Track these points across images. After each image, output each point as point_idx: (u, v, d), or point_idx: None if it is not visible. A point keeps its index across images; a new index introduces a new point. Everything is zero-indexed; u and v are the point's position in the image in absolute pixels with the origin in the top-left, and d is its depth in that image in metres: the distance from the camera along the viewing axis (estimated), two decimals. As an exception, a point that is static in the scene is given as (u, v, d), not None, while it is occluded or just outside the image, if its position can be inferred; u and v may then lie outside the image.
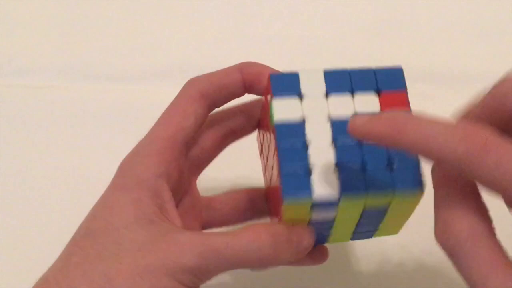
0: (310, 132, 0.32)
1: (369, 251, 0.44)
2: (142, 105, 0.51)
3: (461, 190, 0.27)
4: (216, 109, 0.37)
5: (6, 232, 0.46)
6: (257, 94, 0.36)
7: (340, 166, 0.32)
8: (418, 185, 0.31)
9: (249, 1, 0.54)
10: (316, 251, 0.36)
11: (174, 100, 0.35)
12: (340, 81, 0.33)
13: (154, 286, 0.29)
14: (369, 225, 0.35)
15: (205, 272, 0.30)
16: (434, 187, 0.29)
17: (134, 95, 0.51)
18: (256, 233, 0.31)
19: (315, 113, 0.33)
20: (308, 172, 0.31)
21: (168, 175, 0.33)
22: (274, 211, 0.35)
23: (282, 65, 0.51)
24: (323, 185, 0.31)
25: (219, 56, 0.52)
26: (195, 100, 0.34)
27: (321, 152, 0.32)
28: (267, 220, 0.37)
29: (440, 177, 0.29)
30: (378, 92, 0.33)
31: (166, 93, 0.51)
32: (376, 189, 0.31)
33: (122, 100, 0.51)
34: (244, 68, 0.36)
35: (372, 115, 0.28)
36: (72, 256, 0.31)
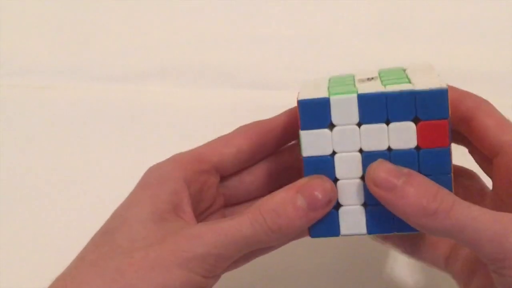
0: (339, 167, 0.31)
1: (374, 249, 0.44)
2: (142, 105, 0.51)
3: None
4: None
5: (6, 232, 0.46)
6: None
7: (368, 203, 0.31)
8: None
9: (249, 1, 0.54)
10: None
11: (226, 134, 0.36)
12: (375, 108, 0.30)
13: (165, 278, 0.30)
14: None
15: (218, 258, 0.30)
16: None
17: (134, 95, 0.51)
18: (258, 209, 0.31)
19: (346, 145, 0.31)
20: (335, 208, 0.31)
21: (191, 182, 0.33)
22: None
23: (282, 65, 0.51)
24: (349, 223, 0.31)
25: (219, 56, 0.52)
26: (243, 132, 0.35)
27: (349, 188, 0.31)
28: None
29: None
30: (416, 120, 0.30)
31: (166, 93, 0.51)
32: (402, 229, 0.31)
33: (122, 100, 0.51)
34: (291, 113, 0.35)
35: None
36: (87, 254, 0.32)
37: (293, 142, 0.37)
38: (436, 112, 0.30)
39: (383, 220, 0.31)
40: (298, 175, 0.32)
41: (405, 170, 0.30)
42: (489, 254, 0.29)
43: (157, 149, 0.48)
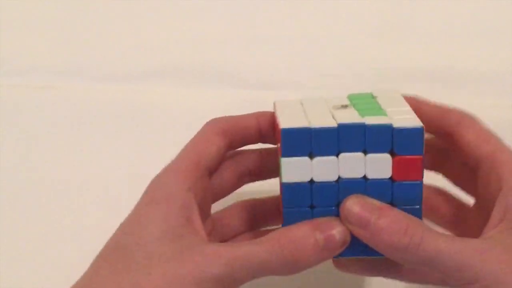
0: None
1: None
2: (142, 105, 0.51)
3: None
4: (238, 149, 0.38)
5: (5, 232, 0.46)
6: (270, 143, 0.37)
7: None
8: None
9: (249, 1, 0.53)
10: None
11: (197, 133, 0.36)
12: (353, 138, 0.32)
13: None
14: None
15: (231, 280, 0.31)
16: None
17: (134, 95, 0.51)
18: (277, 239, 0.31)
19: (325, 173, 0.32)
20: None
21: (195, 191, 0.34)
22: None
23: (282, 65, 0.51)
24: None
25: (219, 57, 0.52)
26: (217, 133, 0.36)
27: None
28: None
29: None
30: (393, 153, 0.32)
31: (166, 93, 0.51)
32: (376, 253, 0.32)
33: (122, 100, 0.51)
34: (260, 115, 0.37)
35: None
36: (100, 269, 0.32)
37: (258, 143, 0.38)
38: (412, 149, 0.32)
39: (357, 244, 0.32)
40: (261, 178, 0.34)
41: (377, 204, 0.32)
42: (457, 281, 0.31)
43: (157, 149, 0.48)
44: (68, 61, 0.53)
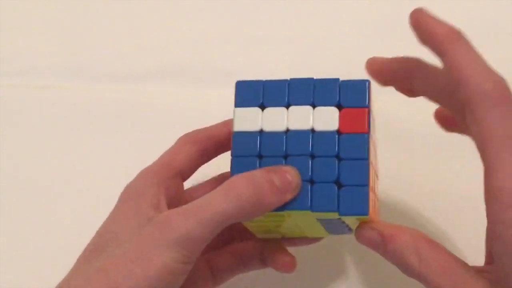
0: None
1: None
2: (142, 105, 0.51)
3: None
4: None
5: (5, 232, 0.46)
6: None
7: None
8: (362, 210, 0.32)
9: (249, 1, 0.54)
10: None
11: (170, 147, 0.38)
12: (303, 92, 0.33)
13: (145, 268, 0.30)
14: (337, 226, 0.35)
15: (192, 241, 0.31)
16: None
17: (134, 95, 0.51)
18: (227, 188, 0.32)
19: (274, 123, 0.33)
20: None
21: (165, 186, 0.35)
22: None
23: (282, 65, 0.51)
24: None
25: (219, 56, 0.52)
26: (187, 142, 0.37)
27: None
28: None
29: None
30: (340, 107, 0.33)
31: (166, 93, 0.51)
32: (320, 208, 0.32)
33: (123, 100, 0.51)
34: (230, 123, 0.37)
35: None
36: (77, 265, 0.33)
37: None
38: (358, 101, 0.33)
39: (301, 197, 0.33)
40: None
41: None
42: None
43: (157, 149, 0.48)
44: (68, 61, 0.53)
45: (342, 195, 0.32)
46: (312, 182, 0.33)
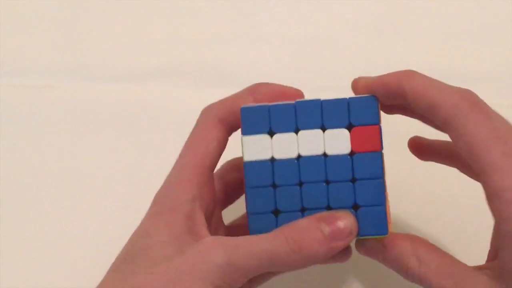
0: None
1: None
2: (142, 105, 0.50)
3: None
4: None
5: (5, 232, 0.46)
6: None
7: (305, 208, 0.33)
8: (381, 230, 0.32)
9: (249, 1, 0.53)
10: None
11: (194, 127, 0.36)
12: (311, 114, 0.33)
13: None
14: None
15: (233, 270, 0.31)
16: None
17: (134, 95, 0.51)
18: (280, 229, 0.31)
19: (285, 150, 0.33)
20: (274, 212, 0.33)
21: (200, 199, 0.34)
22: None
23: (282, 65, 0.51)
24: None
25: (219, 56, 0.52)
26: (214, 125, 0.35)
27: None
28: None
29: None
30: (350, 126, 0.33)
31: (166, 93, 0.51)
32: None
33: (122, 100, 0.51)
34: (254, 90, 0.36)
35: None
36: (108, 278, 0.32)
37: None
38: (367, 118, 0.32)
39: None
40: None
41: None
42: None
43: (157, 148, 0.48)
44: (68, 61, 0.53)
45: (361, 216, 0.32)
46: (329, 208, 0.33)
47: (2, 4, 0.55)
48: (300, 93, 0.36)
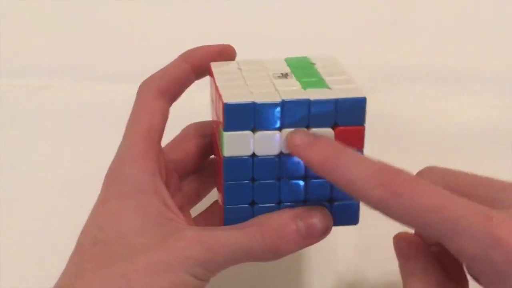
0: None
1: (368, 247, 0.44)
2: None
3: (421, 261, 0.31)
4: (203, 121, 0.38)
5: (5, 231, 0.46)
6: (205, 76, 0.37)
7: (283, 202, 0.33)
8: (354, 220, 0.33)
9: (249, 1, 0.54)
10: None
11: (136, 102, 0.36)
12: (297, 113, 0.31)
13: (173, 282, 0.30)
14: None
15: (215, 265, 0.31)
16: (397, 255, 0.32)
17: (134, 95, 0.51)
18: (259, 227, 0.32)
19: (267, 147, 0.32)
20: (250, 207, 0.33)
21: (160, 173, 0.34)
22: (218, 187, 0.36)
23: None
24: None
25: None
26: (156, 97, 0.35)
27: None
28: None
29: (401, 248, 0.32)
30: (335, 126, 0.32)
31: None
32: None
33: (122, 100, 0.51)
34: (188, 56, 0.36)
35: (312, 136, 0.30)
36: (85, 263, 0.31)
37: None
38: (354, 120, 0.32)
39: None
40: None
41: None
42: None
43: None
44: (68, 61, 0.53)
45: (335, 208, 0.33)
46: (305, 201, 0.33)
47: (2, 4, 0.55)
48: (231, 49, 0.37)
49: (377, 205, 0.28)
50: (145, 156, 0.34)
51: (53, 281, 0.32)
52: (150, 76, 0.36)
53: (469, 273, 0.28)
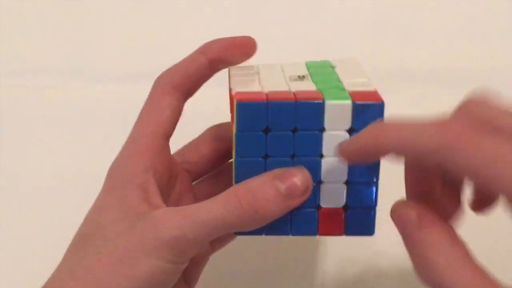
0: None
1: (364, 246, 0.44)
2: (142, 105, 0.50)
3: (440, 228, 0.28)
4: (224, 123, 0.37)
5: (5, 231, 0.47)
6: (225, 68, 0.36)
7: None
8: (368, 230, 0.32)
9: (249, 1, 0.54)
10: None
11: (148, 97, 0.35)
12: (311, 116, 0.30)
13: (134, 269, 0.29)
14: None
15: (186, 243, 0.29)
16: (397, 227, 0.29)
17: (134, 95, 0.51)
18: (234, 191, 0.30)
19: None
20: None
21: (154, 169, 0.33)
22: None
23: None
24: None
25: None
26: (167, 93, 0.35)
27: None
28: None
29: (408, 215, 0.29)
30: (351, 130, 0.31)
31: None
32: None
33: (122, 100, 0.51)
34: (205, 49, 0.35)
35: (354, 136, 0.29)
36: (64, 261, 0.32)
37: None
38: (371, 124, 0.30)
39: (308, 223, 0.32)
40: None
41: None
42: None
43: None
44: (68, 61, 0.53)
45: (350, 216, 0.32)
46: (319, 182, 0.32)
47: (3, 5, 0.55)
48: (251, 41, 0.36)
49: (435, 155, 0.26)
50: (139, 153, 0.33)
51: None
52: (165, 71, 0.35)
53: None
